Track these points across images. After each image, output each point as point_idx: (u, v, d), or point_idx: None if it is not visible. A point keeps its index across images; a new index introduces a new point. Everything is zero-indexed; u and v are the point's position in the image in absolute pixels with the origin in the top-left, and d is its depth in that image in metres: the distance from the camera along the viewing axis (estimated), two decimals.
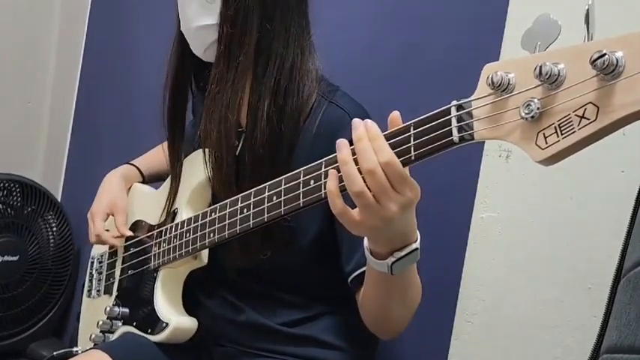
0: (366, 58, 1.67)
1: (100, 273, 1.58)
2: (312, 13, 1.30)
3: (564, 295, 1.31)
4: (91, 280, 1.61)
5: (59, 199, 2.35)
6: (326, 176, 0.96)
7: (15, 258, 2.09)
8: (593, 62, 0.66)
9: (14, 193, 2.13)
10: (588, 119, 0.67)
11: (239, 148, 1.27)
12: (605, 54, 0.65)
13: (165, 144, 1.48)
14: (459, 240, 1.45)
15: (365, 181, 0.88)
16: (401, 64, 1.61)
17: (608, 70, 0.66)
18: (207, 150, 1.28)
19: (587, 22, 0.71)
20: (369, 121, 0.90)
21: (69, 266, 2.23)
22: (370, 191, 0.88)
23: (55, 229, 2.20)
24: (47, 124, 2.41)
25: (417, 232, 1.01)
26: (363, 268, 1.15)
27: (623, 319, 0.86)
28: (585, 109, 0.68)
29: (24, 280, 2.14)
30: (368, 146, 0.88)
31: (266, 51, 1.24)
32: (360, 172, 0.89)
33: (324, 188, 0.97)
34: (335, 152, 0.94)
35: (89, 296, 1.59)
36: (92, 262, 1.62)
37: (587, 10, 0.71)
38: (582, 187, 1.24)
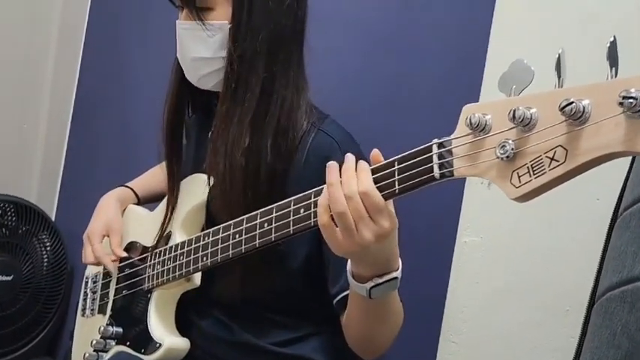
0: (356, 87, 1.72)
1: (94, 292, 1.60)
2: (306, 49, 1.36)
3: (544, 317, 1.36)
4: (85, 300, 1.63)
5: (53, 219, 2.37)
6: (315, 206, 1.02)
7: (9, 277, 2.12)
8: (562, 109, 0.71)
9: (9, 213, 2.15)
10: (558, 161, 0.73)
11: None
12: (572, 102, 0.70)
13: (159, 167, 1.53)
14: (444, 263, 1.50)
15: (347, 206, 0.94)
16: (389, 92, 1.67)
17: (575, 117, 0.71)
18: (211, 179, 1.33)
19: (557, 69, 0.76)
20: (362, 161, 0.97)
21: (62, 285, 2.25)
22: (352, 216, 0.94)
23: (49, 248, 2.22)
24: (42, 146, 2.43)
25: (399, 261, 1.06)
26: (347, 291, 1.19)
27: (595, 342, 0.91)
28: (555, 152, 0.73)
29: (18, 299, 2.15)
30: (352, 175, 0.95)
31: (269, 91, 1.29)
32: None
33: (314, 217, 1.03)
34: (323, 179, 1.00)
35: (83, 315, 1.62)
36: (86, 282, 1.65)
37: (558, 57, 0.76)
38: (560, 214, 1.29)
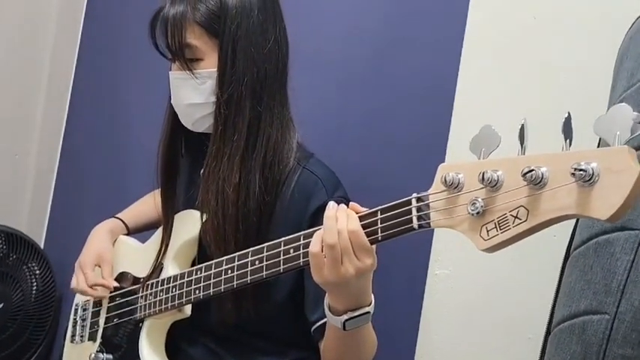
0: (336, 122, 1.80)
1: (83, 320, 1.64)
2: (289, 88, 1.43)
3: (509, 343, 1.45)
4: (74, 326, 1.67)
5: (42, 248, 2.39)
6: (304, 247, 1.12)
7: (0, 305, 2.13)
8: (523, 175, 0.82)
9: None
10: (521, 219, 0.83)
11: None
12: (532, 169, 0.81)
13: (150, 195, 1.60)
14: (416, 293, 1.57)
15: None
16: (367, 128, 1.74)
17: (535, 182, 0.81)
18: (204, 215, 1.40)
19: (520, 137, 0.86)
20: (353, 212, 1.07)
21: (51, 312, 2.27)
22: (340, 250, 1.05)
23: (38, 276, 2.24)
24: (32, 177, 2.46)
25: (372, 297, 1.16)
26: (325, 320, 1.27)
27: None
28: (518, 211, 0.84)
29: (7, 326, 2.17)
30: (344, 215, 1.06)
31: (255, 129, 1.37)
32: None
33: (303, 257, 1.13)
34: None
35: (72, 341, 1.66)
36: (76, 310, 1.69)
37: (522, 126, 0.86)
38: (521, 249, 1.39)
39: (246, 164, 1.36)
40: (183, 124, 1.46)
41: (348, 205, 1.17)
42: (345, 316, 1.14)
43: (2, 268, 2.17)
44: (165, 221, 1.51)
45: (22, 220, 2.43)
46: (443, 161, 1.49)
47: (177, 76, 1.41)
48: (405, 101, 1.69)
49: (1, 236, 2.18)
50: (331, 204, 1.09)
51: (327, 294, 1.17)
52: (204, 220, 1.40)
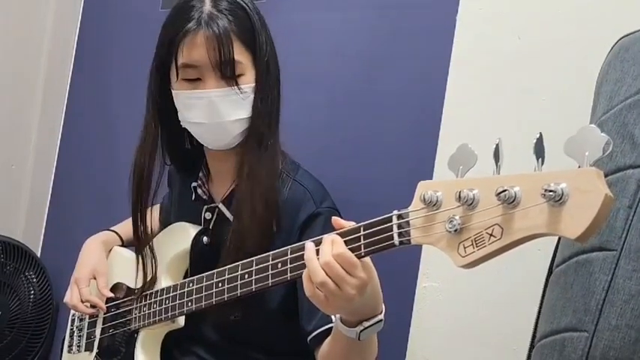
0: (324, 137, 1.83)
1: (80, 330, 1.67)
2: None
3: (495, 355, 1.48)
4: (71, 336, 1.69)
5: (39, 257, 2.40)
6: (292, 261, 1.14)
7: None
8: (497, 194, 0.84)
9: None
10: (495, 237, 0.85)
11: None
12: (506, 189, 0.83)
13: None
14: (406, 306, 1.60)
15: (327, 273, 1.05)
16: (354, 143, 1.78)
17: (508, 202, 0.83)
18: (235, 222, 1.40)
19: (495, 157, 0.88)
20: (334, 233, 1.08)
21: (48, 320, 2.28)
22: (332, 280, 1.05)
23: (35, 285, 2.25)
24: (29, 186, 2.47)
25: (383, 305, 1.17)
26: (323, 328, 1.30)
27: None
28: (493, 229, 0.86)
29: (5, 335, 2.18)
30: (328, 244, 1.06)
31: (275, 141, 1.43)
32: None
33: (290, 272, 1.14)
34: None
35: (70, 352, 1.68)
36: (73, 320, 1.71)
37: (496, 146, 0.88)
38: (506, 263, 1.41)
39: (270, 175, 1.40)
40: (210, 143, 1.45)
41: (339, 214, 1.20)
42: (361, 327, 1.15)
43: (0, 277, 2.19)
44: (136, 230, 1.51)
45: (19, 229, 2.44)
46: (430, 175, 1.53)
47: (217, 93, 1.37)
48: (392, 117, 1.72)
49: None
50: (309, 245, 1.09)
51: None
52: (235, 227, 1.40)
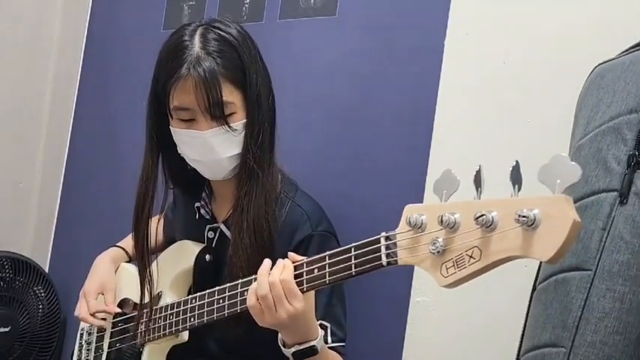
0: (321, 156, 1.87)
1: (88, 344, 1.72)
2: None
3: None
4: (80, 350, 1.75)
5: (47, 272, 2.43)
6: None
7: (7, 329, 2.18)
8: (476, 219, 0.90)
9: (6, 268, 2.22)
10: (475, 259, 0.91)
11: None
12: (484, 214, 0.89)
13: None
14: (400, 320, 1.63)
15: (270, 290, 1.19)
16: (350, 162, 1.81)
17: (486, 225, 0.89)
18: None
19: (476, 182, 0.93)
20: (287, 260, 1.22)
21: (56, 334, 2.31)
22: (272, 298, 1.19)
23: (43, 300, 2.28)
24: (36, 204, 2.50)
25: (319, 332, 1.29)
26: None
27: None
28: (473, 251, 0.91)
29: (15, 349, 2.20)
30: (280, 267, 1.21)
31: (272, 165, 1.49)
32: None
33: None
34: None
35: None
36: (82, 334, 1.77)
37: (477, 172, 0.93)
38: (493, 280, 1.45)
39: (269, 198, 1.45)
40: (209, 176, 1.52)
41: (335, 238, 1.29)
42: (293, 349, 1.28)
43: (9, 292, 2.22)
44: (140, 251, 1.57)
45: (27, 245, 2.47)
46: (422, 192, 1.58)
47: (212, 133, 1.41)
48: (386, 136, 1.76)
49: (8, 262, 2.23)
50: (266, 262, 1.24)
51: None
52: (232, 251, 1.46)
